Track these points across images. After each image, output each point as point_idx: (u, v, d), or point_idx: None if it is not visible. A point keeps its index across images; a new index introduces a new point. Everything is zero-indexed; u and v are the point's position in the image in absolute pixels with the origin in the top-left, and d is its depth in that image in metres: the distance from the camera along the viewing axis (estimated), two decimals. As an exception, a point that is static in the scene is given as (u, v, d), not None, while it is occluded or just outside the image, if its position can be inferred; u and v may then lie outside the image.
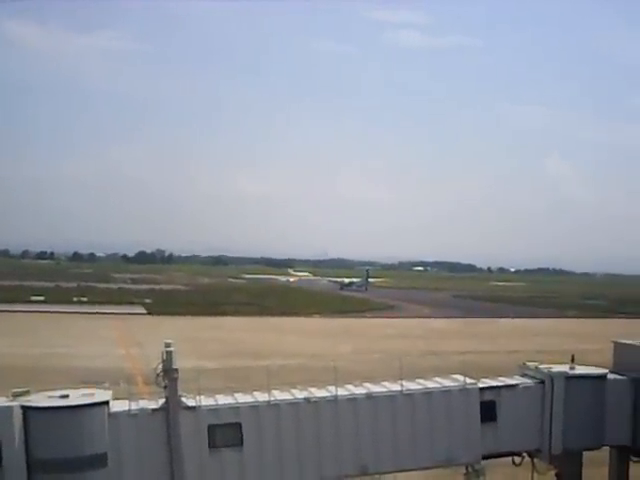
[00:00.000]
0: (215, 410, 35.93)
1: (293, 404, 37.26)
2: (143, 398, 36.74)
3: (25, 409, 32.42)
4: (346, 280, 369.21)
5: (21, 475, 32.10)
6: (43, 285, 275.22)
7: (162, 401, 35.15)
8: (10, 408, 32.16)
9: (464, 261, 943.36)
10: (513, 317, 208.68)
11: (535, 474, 42.14)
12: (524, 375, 43.16)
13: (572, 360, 43.16)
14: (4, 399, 33.37)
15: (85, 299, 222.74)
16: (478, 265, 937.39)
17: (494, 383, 41.71)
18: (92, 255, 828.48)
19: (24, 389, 34.46)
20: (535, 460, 42.08)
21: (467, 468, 40.22)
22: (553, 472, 42.52)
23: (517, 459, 42.04)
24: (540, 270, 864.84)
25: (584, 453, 42.59)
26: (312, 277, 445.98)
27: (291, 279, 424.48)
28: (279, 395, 37.71)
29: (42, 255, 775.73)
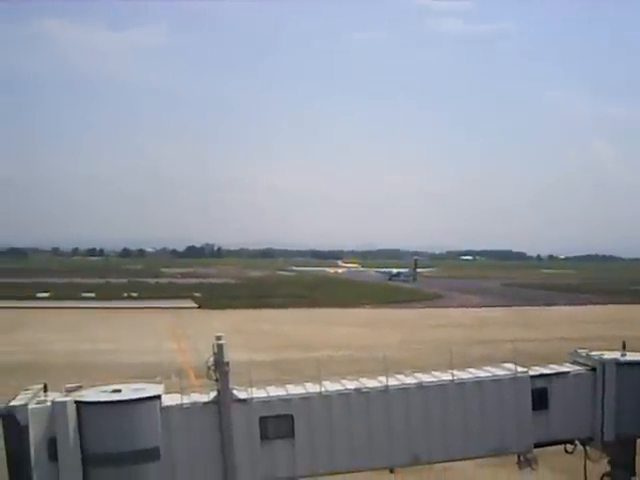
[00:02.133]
0: (266, 402, 36.06)
1: (344, 395, 37.28)
2: (195, 391, 37.00)
3: (79, 404, 32.79)
4: (394, 270, 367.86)
5: (76, 470, 32.48)
6: (94, 282, 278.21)
7: (214, 394, 35.36)
8: (64, 404, 32.55)
9: (514, 249, 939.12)
10: (563, 304, 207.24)
11: (588, 462, 41.83)
12: (575, 362, 42.75)
13: (623, 347, 42.72)
14: (58, 395, 33.80)
15: (135, 294, 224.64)
16: (528, 253, 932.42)
17: (545, 371, 41.34)
18: (141, 251, 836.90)
19: (77, 384, 34.88)
20: (587, 448, 41.76)
21: (519, 457, 40.03)
22: (606, 460, 42.20)
23: (569, 447, 41.71)
24: (589, 257, 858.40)
25: (638, 440, 42.24)
26: (361, 268, 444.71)
27: (339, 270, 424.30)
28: (330, 386, 37.72)
29: (92, 252, 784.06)
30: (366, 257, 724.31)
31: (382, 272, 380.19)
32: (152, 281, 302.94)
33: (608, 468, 42.20)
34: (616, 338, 44.63)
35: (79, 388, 34.66)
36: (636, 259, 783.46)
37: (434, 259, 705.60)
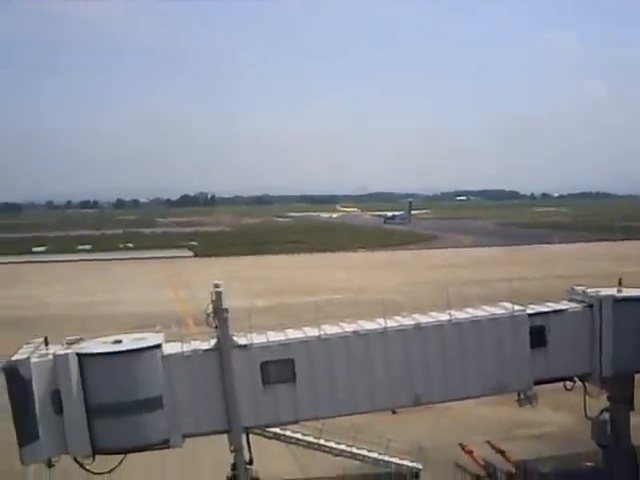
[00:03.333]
0: (267, 347, 36.17)
1: (343, 338, 37.35)
2: (195, 339, 37.15)
3: (80, 356, 32.95)
4: (389, 213, 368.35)
5: (81, 421, 32.77)
6: (89, 234, 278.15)
7: (214, 341, 35.51)
8: (66, 356, 32.71)
9: (508, 188, 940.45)
10: (557, 242, 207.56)
11: (587, 398, 42.17)
12: (572, 300, 42.79)
13: (619, 283, 42.76)
14: (59, 347, 33.95)
15: (131, 245, 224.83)
16: (521, 192, 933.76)
17: (542, 309, 41.36)
18: (135, 201, 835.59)
19: (77, 337, 35.02)
20: (586, 384, 42.04)
21: (519, 395, 40.31)
22: (605, 395, 42.57)
23: (568, 384, 41.96)
24: (583, 194, 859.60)
25: (636, 376, 42.54)
26: (360, 212, 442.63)
27: (335, 215, 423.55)
28: (329, 329, 37.82)
29: (86, 204, 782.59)
30: (361, 201, 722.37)
31: (377, 215, 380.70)
32: (147, 231, 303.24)
33: (607, 404, 42.68)
34: (612, 275, 44.85)
35: (80, 340, 34.84)
36: (630, 195, 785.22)
37: (428, 201, 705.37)
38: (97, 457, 33.15)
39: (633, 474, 40.78)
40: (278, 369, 36.01)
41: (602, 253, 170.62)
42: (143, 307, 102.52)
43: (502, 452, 45.57)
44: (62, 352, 33.08)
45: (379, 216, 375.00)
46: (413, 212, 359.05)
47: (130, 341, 34.52)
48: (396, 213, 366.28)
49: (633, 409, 42.28)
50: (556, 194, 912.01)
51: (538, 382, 39.91)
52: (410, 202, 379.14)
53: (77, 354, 32.93)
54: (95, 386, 32.89)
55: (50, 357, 32.94)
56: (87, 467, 33.79)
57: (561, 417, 52.76)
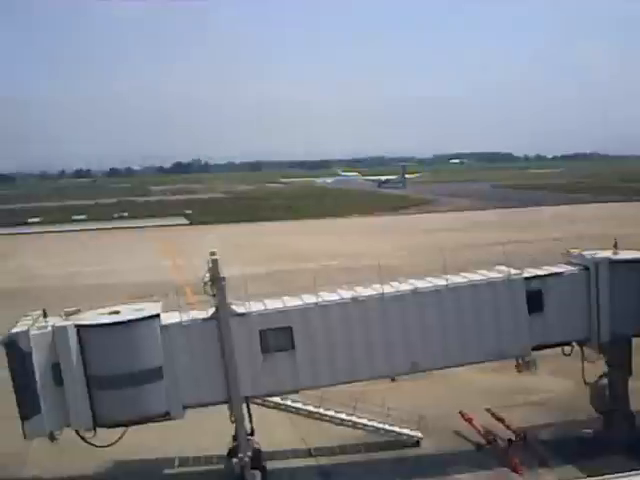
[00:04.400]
0: (265, 315, 36.21)
1: (341, 304, 37.36)
2: (194, 308, 37.10)
3: (79, 328, 32.96)
4: (383, 178, 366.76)
5: (82, 394, 32.87)
6: (83, 203, 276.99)
7: (212, 310, 35.51)
8: (65, 328, 32.73)
9: (501, 150, 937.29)
10: (552, 204, 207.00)
11: (585, 363, 42.12)
12: (568, 263, 42.78)
13: (615, 245, 42.71)
14: (58, 319, 33.92)
15: (126, 214, 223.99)
16: (515, 154, 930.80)
17: (539, 272, 41.32)
18: (129, 169, 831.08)
19: (75, 308, 34.97)
20: (584, 349, 42.03)
21: (518, 361, 40.31)
22: (603, 360, 42.58)
23: (567, 349, 41.94)
24: (577, 155, 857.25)
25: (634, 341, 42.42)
26: (360, 176, 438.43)
27: (328, 180, 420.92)
28: (326, 296, 37.82)
29: (79, 173, 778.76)
30: (355, 165, 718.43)
31: (372, 180, 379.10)
32: (141, 200, 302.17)
33: (605, 369, 42.69)
34: (609, 237, 44.66)
35: (78, 311, 34.81)
36: (624, 156, 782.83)
37: (422, 164, 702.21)
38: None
39: (632, 439, 40.82)
40: (277, 337, 36.07)
41: (597, 214, 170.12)
42: (140, 276, 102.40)
43: (502, 420, 45.67)
44: (61, 324, 33.10)
45: (373, 181, 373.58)
46: (407, 176, 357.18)
47: (128, 311, 34.59)
48: (390, 177, 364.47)
49: (631, 374, 42.35)
50: (550, 155, 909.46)
51: (536, 348, 39.94)
52: (404, 166, 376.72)
53: (75, 326, 32.95)
54: (94, 358, 32.96)
55: (49, 329, 32.96)
56: (88, 440, 34.07)
57: (560, 383, 52.48)
